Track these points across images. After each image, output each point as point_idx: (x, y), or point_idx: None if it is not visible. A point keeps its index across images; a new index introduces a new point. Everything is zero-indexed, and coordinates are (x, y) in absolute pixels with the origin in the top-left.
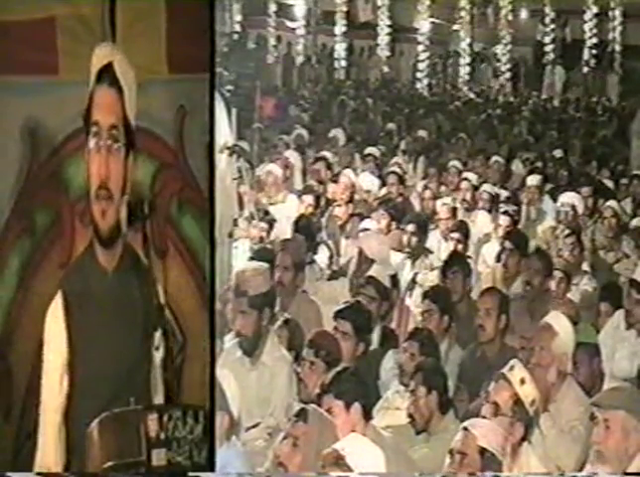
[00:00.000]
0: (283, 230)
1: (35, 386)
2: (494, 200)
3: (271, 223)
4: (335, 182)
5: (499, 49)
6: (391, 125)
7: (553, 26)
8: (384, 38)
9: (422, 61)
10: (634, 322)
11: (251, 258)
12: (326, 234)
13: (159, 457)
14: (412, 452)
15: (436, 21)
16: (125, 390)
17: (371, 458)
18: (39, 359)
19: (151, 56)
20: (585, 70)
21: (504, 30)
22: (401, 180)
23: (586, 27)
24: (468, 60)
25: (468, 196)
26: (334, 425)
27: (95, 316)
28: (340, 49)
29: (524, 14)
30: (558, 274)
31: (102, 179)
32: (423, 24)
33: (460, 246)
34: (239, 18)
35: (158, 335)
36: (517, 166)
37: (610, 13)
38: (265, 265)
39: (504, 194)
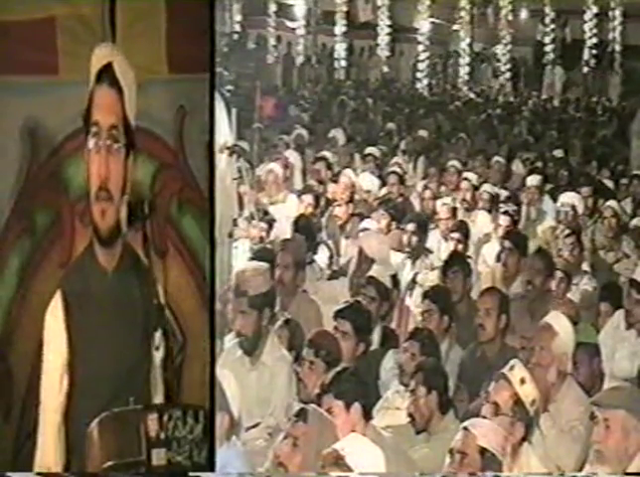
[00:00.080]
0: (283, 229)
1: (35, 386)
2: (494, 200)
3: (271, 223)
4: (335, 182)
5: (499, 49)
6: (391, 125)
7: (553, 26)
8: (384, 38)
9: (422, 61)
10: (634, 322)
11: (251, 258)
12: (326, 233)
13: (159, 457)
14: (412, 452)
15: (436, 21)
16: (125, 390)
17: (371, 458)
18: (39, 359)
19: (151, 56)
20: (585, 70)
21: (504, 30)
22: (402, 180)
23: (586, 27)
24: (468, 60)
25: (468, 196)
26: (334, 425)
27: (95, 316)
28: (340, 49)
29: (524, 14)
30: (558, 274)
31: (102, 179)
32: (423, 24)
33: (460, 246)
34: (238, 18)
35: (158, 335)
36: (517, 166)
37: (610, 13)
38: (265, 265)
39: (504, 194)
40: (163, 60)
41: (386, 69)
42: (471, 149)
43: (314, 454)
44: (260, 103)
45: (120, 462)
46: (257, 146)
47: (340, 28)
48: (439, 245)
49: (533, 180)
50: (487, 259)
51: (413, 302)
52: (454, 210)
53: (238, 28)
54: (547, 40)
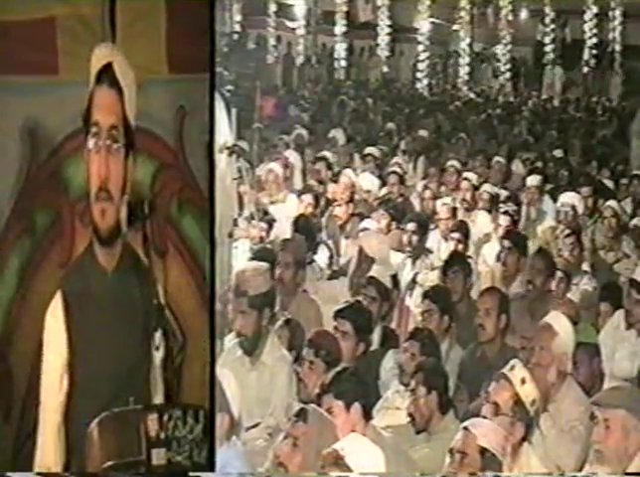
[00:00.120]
0: (283, 229)
1: (35, 386)
2: (494, 200)
3: (271, 222)
4: (335, 182)
5: (499, 49)
6: (391, 125)
7: (553, 26)
8: (384, 38)
9: (422, 61)
10: (634, 322)
11: (251, 258)
12: (326, 233)
13: (159, 457)
14: (413, 452)
15: (436, 21)
16: (125, 390)
17: (371, 458)
18: (39, 359)
19: (151, 56)
20: (585, 70)
21: (504, 30)
22: (402, 180)
23: (586, 27)
24: (468, 60)
25: (468, 196)
26: (334, 425)
27: (95, 316)
28: (340, 49)
29: (524, 14)
30: (558, 274)
31: (102, 180)
32: (423, 24)
33: (460, 246)
34: (238, 18)
35: (158, 335)
36: (517, 166)
37: (610, 13)
38: (265, 265)
39: (504, 194)
40: (163, 60)
41: (386, 69)
42: (471, 149)
43: (314, 454)
44: (260, 103)
45: (120, 462)
46: (257, 146)
47: (340, 28)
48: (439, 245)
49: (533, 180)
50: (487, 259)
51: (413, 302)
52: (454, 210)
53: (238, 28)
54: (547, 40)
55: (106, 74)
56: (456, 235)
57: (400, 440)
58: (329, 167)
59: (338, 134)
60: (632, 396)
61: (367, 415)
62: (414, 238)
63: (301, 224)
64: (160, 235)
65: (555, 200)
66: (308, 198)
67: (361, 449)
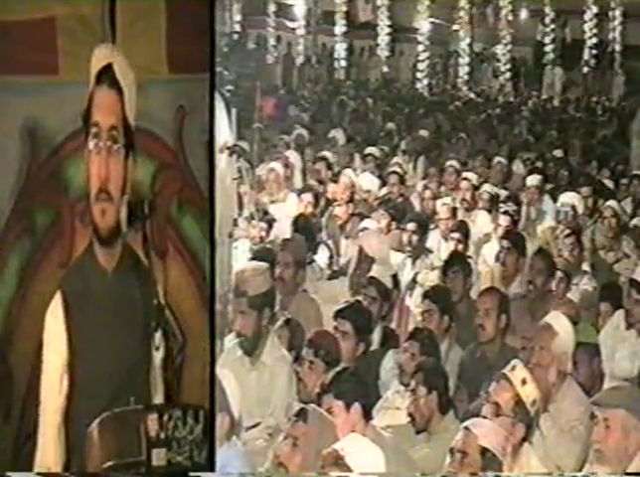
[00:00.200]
0: (283, 229)
1: (35, 386)
2: (494, 200)
3: (271, 222)
4: (335, 182)
5: (499, 49)
6: (391, 125)
7: (553, 26)
8: (384, 38)
9: (422, 61)
10: (634, 322)
11: (251, 258)
12: (326, 233)
13: (159, 457)
14: (413, 452)
15: (436, 21)
16: (125, 390)
17: (371, 458)
18: (39, 359)
19: (151, 56)
20: (585, 70)
21: (504, 30)
22: (402, 180)
23: (586, 27)
24: (468, 60)
25: (468, 196)
26: (334, 425)
27: (95, 316)
28: (340, 49)
29: (524, 14)
30: (558, 274)
31: (102, 181)
32: (423, 24)
33: (460, 246)
34: (238, 18)
35: (158, 335)
36: (517, 166)
37: (610, 13)
38: (265, 265)
39: (504, 194)
40: (163, 60)
41: (386, 69)
42: (471, 149)
43: (314, 454)
44: (260, 103)
45: (120, 462)
46: (257, 146)
47: (340, 28)
48: (439, 245)
49: (533, 180)
50: (487, 259)
51: (413, 302)
52: (454, 210)
53: (238, 28)
54: (547, 40)
55: (106, 74)
56: (456, 235)
57: (400, 440)
58: (329, 167)
59: (338, 134)
60: (632, 395)
61: (367, 415)
62: (414, 237)
63: (301, 223)
64: (160, 235)
65: (555, 200)
66: (307, 196)
67: (361, 449)
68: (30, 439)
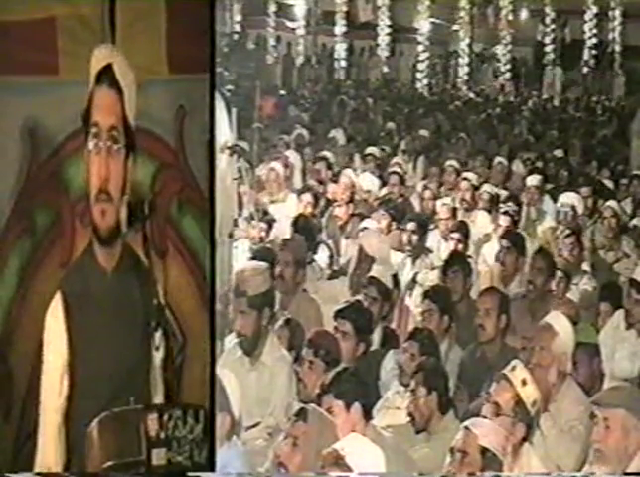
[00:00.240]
0: (283, 229)
1: (35, 386)
2: (494, 200)
3: (271, 222)
4: (335, 182)
5: (499, 49)
6: (391, 125)
7: (553, 26)
8: (384, 38)
9: (422, 61)
10: (634, 322)
11: (252, 258)
12: (326, 233)
13: (159, 457)
14: (413, 452)
15: (436, 21)
16: (125, 390)
17: (371, 458)
18: (39, 359)
19: (151, 56)
20: (585, 70)
21: (504, 30)
22: (402, 180)
23: (586, 27)
24: (468, 60)
25: (468, 196)
26: (334, 425)
27: (95, 316)
28: (340, 49)
29: (524, 14)
30: (558, 274)
31: (103, 181)
32: (423, 24)
33: (460, 246)
34: (238, 18)
35: (158, 335)
36: (517, 166)
37: (610, 13)
38: (265, 265)
39: (504, 194)
40: (163, 60)
41: (386, 69)
42: (471, 149)
43: (314, 454)
44: (260, 103)
45: (120, 462)
46: (257, 146)
47: (340, 28)
48: (439, 245)
49: (533, 180)
50: (487, 259)
51: (414, 302)
52: (454, 210)
53: (238, 28)
54: (547, 40)
55: (106, 74)
56: (456, 235)
57: (400, 440)
58: (329, 167)
59: (338, 134)
60: (632, 395)
61: (367, 415)
62: (414, 237)
63: (301, 223)
64: (160, 235)
65: (555, 200)
66: (307, 196)
67: (361, 449)
68: (30, 439)
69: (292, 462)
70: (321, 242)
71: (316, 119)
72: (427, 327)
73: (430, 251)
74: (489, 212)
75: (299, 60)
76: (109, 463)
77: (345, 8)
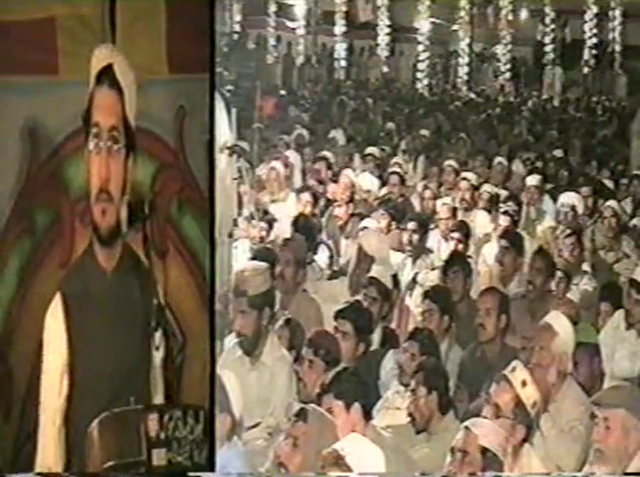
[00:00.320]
0: (283, 229)
1: (35, 386)
2: (494, 200)
3: (271, 222)
4: (335, 182)
5: (499, 49)
6: (391, 125)
7: (553, 26)
8: (384, 38)
9: (422, 61)
10: (634, 322)
11: (252, 258)
12: (326, 233)
13: (159, 457)
14: (413, 452)
15: (436, 21)
16: (125, 390)
17: (371, 458)
18: (39, 359)
19: (151, 56)
20: (585, 70)
21: (504, 30)
22: (402, 180)
23: (586, 27)
24: (468, 60)
25: (468, 196)
26: (334, 425)
27: (95, 316)
28: (340, 49)
29: (524, 14)
30: (558, 274)
31: (103, 181)
32: (423, 24)
33: (461, 246)
34: (238, 18)
35: (158, 335)
36: (517, 166)
37: (610, 13)
38: (265, 265)
39: (504, 194)
40: (163, 60)
41: (386, 69)
42: (471, 149)
43: (314, 454)
44: (260, 103)
45: (120, 462)
46: (257, 146)
47: (340, 28)
48: (439, 245)
49: (533, 180)
50: (487, 259)
51: (414, 302)
52: (454, 210)
53: (238, 28)
54: (547, 40)
55: (106, 75)
56: (456, 234)
57: (400, 440)
58: (329, 167)
59: (338, 134)
60: (632, 395)
61: (367, 415)
62: (415, 237)
63: (301, 223)
64: (160, 235)
65: (555, 200)
66: (306, 196)
67: (361, 449)
68: (30, 439)
69: (292, 462)
70: (321, 242)
71: (316, 119)
72: (427, 327)
73: (430, 251)
74: (489, 212)
75: (299, 60)
76: (110, 463)
77: (345, 8)
